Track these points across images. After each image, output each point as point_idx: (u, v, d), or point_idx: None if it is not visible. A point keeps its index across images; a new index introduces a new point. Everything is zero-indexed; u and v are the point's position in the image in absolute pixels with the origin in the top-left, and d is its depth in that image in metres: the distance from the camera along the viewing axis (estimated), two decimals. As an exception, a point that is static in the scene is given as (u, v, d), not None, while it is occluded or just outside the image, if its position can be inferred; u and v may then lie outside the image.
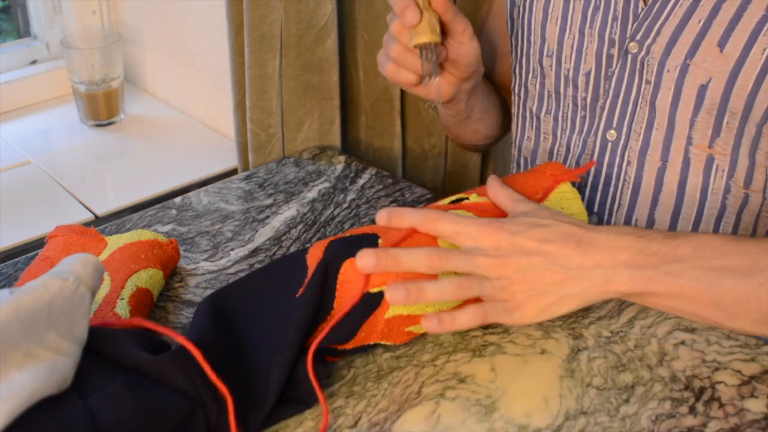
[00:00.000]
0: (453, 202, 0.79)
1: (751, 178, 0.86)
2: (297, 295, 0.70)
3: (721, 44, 0.81)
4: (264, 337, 0.69)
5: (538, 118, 0.98)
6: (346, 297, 0.70)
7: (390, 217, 0.73)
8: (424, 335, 0.76)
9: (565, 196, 0.77)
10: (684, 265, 0.68)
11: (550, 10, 0.93)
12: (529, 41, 0.97)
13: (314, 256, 0.72)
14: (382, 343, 0.72)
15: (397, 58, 0.82)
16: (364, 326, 0.70)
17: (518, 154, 1.04)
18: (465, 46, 0.84)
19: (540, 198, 0.77)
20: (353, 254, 0.70)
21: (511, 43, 1.01)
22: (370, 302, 0.69)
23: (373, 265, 0.68)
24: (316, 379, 0.66)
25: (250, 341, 0.69)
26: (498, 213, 0.77)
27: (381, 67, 0.85)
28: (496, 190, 0.79)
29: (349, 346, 0.71)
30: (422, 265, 0.69)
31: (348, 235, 0.74)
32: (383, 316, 0.70)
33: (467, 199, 0.78)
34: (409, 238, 0.72)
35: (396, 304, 0.68)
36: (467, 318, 0.70)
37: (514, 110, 1.04)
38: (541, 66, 0.96)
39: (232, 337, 0.69)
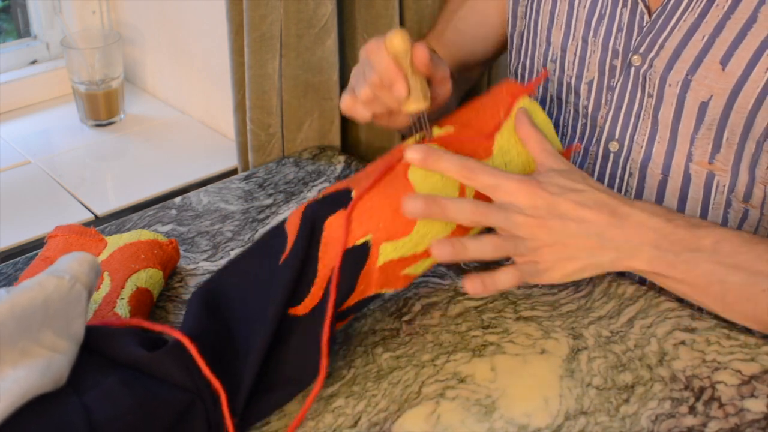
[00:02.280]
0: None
1: (751, 193, 0.86)
2: (280, 263, 0.71)
3: (724, 62, 0.81)
4: (251, 312, 0.69)
5: None
6: (330, 255, 0.70)
7: (425, 160, 0.71)
8: (423, 334, 0.76)
9: (529, 108, 0.78)
10: (702, 256, 0.71)
11: (556, 14, 0.93)
12: (534, 44, 0.96)
13: (292, 223, 0.73)
14: (382, 292, 0.72)
15: (366, 104, 0.79)
16: (360, 279, 0.70)
17: None
18: (442, 89, 0.82)
19: (503, 117, 0.77)
20: (332, 212, 0.71)
21: (511, 42, 1.01)
22: (359, 254, 0.70)
23: (420, 210, 0.69)
24: (328, 346, 0.67)
25: (240, 322, 0.69)
26: (463, 144, 0.76)
27: (342, 98, 0.82)
28: (526, 132, 0.77)
29: (351, 301, 0.71)
30: (465, 218, 0.70)
31: (321, 196, 0.74)
32: (376, 265, 0.70)
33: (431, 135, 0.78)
34: (379, 182, 0.73)
35: (442, 260, 0.70)
36: (507, 281, 0.72)
37: None
38: (545, 70, 0.95)
39: (225, 323, 0.69)
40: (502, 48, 1.09)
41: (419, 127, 0.77)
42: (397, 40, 0.73)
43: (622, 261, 0.72)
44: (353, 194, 0.73)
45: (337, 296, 0.69)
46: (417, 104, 0.76)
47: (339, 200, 0.72)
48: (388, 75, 0.74)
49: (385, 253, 0.71)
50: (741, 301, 0.72)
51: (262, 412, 0.66)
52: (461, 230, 0.74)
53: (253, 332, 0.67)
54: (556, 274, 0.73)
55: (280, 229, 0.74)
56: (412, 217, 0.70)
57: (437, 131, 0.78)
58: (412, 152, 0.70)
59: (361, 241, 0.70)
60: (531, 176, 0.73)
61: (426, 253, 0.72)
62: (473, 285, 0.71)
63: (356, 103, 0.80)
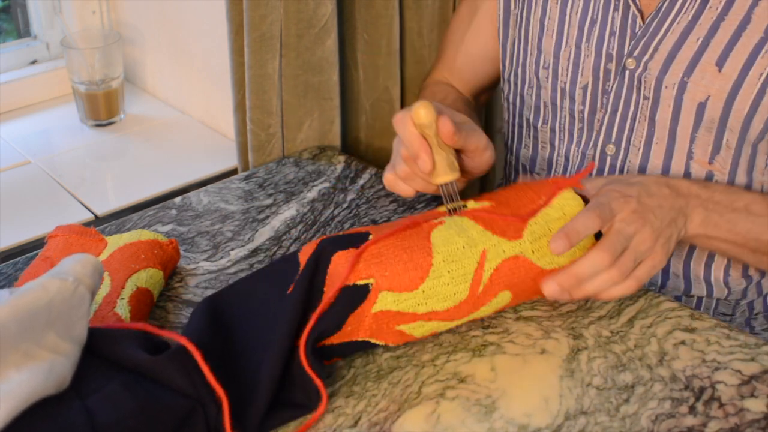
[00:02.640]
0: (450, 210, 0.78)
1: None
2: (288, 292, 0.71)
3: (720, 64, 0.81)
4: (257, 336, 0.70)
5: (535, 128, 0.98)
6: (332, 289, 0.70)
7: (569, 243, 0.72)
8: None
9: (568, 202, 0.76)
10: (740, 217, 0.82)
11: (546, 22, 0.93)
12: (525, 52, 0.96)
13: (306, 253, 0.73)
14: (372, 341, 0.71)
15: (405, 179, 0.80)
16: (350, 319, 0.69)
17: (515, 161, 1.04)
18: (481, 159, 0.81)
19: (543, 203, 0.76)
20: (343, 248, 0.71)
21: (504, 51, 1.01)
22: (356, 294, 0.69)
23: (565, 246, 0.71)
24: (310, 368, 0.66)
25: (245, 342, 0.69)
26: (495, 220, 0.75)
27: (384, 175, 0.82)
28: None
29: (335, 339, 0.70)
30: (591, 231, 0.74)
31: (340, 234, 0.75)
32: (370, 310, 0.70)
33: (464, 207, 0.77)
34: (399, 233, 0.73)
35: (552, 296, 0.72)
36: (644, 278, 0.76)
37: (506, 117, 1.04)
38: (537, 77, 0.95)
39: (229, 338, 0.69)
40: None
41: (449, 199, 0.77)
42: (421, 112, 0.73)
43: (686, 225, 0.80)
44: (371, 237, 0.73)
45: (319, 327, 0.68)
46: (443, 177, 0.76)
47: (354, 240, 0.72)
48: (413, 148, 0.74)
49: (384, 301, 0.70)
50: None
51: (265, 427, 0.66)
52: (471, 299, 0.72)
53: (263, 357, 0.67)
54: (666, 255, 0.77)
55: (293, 258, 0.74)
56: (558, 252, 0.71)
57: (473, 204, 0.77)
58: (555, 244, 0.71)
59: (362, 282, 0.70)
60: (611, 195, 0.76)
61: (427, 317, 0.71)
62: (625, 288, 0.74)
63: (397, 180, 0.80)
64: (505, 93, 1.02)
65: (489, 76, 1.07)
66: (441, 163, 0.75)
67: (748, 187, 0.87)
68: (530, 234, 0.73)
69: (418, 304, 0.70)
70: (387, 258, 0.71)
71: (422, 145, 0.74)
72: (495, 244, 0.72)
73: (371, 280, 0.70)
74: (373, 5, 1.11)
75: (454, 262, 0.71)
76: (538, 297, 0.76)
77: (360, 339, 0.71)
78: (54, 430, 0.56)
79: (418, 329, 0.72)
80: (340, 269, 0.71)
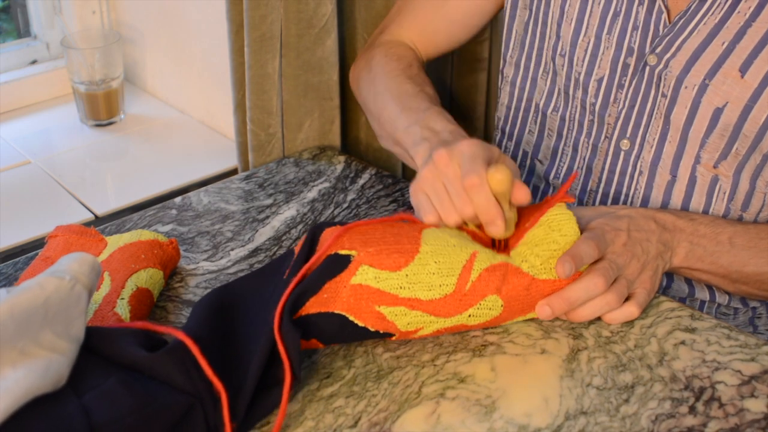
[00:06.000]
0: None
1: (749, 202, 0.87)
2: (284, 277, 0.71)
3: (743, 69, 0.81)
4: (255, 326, 0.70)
5: (544, 114, 0.98)
6: (314, 257, 0.71)
7: (575, 264, 0.73)
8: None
9: (557, 218, 0.76)
10: (723, 249, 0.84)
11: (566, 9, 0.92)
12: (542, 35, 0.95)
13: (300, 244, 0.74)
14: (349, 317, 0.70)
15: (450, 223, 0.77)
16: (328, 285, 0.69)
17: (515, 146, 1.03)
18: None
19: (528, 226, 0.76)
20: (331, 225, 0.73)
21: (511, 33, 1.00)
22: (337, 262, 0.70)
23: (571, 269, 0.73)
24: (280, 334, 0.65)
25: (243, 334, 0.70)
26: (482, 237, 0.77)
27: (425, 210, 0.76)
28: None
29: (312, 308, 0.69)
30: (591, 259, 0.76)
31: (331, 220, 0.76)
32: (349, 281, 0.69)
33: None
34: (390, 221, 0.75)
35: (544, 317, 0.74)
36: (634, 314, 0.77)
37: (507, 100, 1.03)
38: (554, 63, 0.95)
39: (229, 332, 0.70)
40: (477, 35, 1.08)
41: (495, 245, 0.77)
42: (499, 178, 0.71)
43: (671, 258, 0.82)
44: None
45: (297, 291, 0.69)
46: (506, 234, 0.75)
47: (344, 223, 0.74)
48: (490, 215, 0.73)
49: (364, 274, 0.69)
50: (752, 280, 0.84)
51: (262, 413, 0.66)
52: (458, 295, 0.71)
53: (255, 340, 0.67)
54: (654, 285, 0.79)
55: (289, 251, 0.75)
56: (564, 276, 0.72)
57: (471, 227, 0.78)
58: (562, 268, 0.73)
59: (345, 252, 0.70)
60: (604, 229, 0.79)
61: (409, 303, 0.70)
62: (620, 315, 0.77)
63: (441, 224, 0.77)
64: (510, 76, 1.01)
65: (459, 43, 1.06)
66: (508, 223, 0.75)
67: (748, 195, 0.87)
68: (517, 256, 0.74)
69: (401, 287, 0.70)
70: (373, 238, 0.72)
71: (499, 213, 0.73)
72: (487, 251, 0.74)
73: (353, 252, 0.70)
74: (373, 5, 1.11)
75: (442, 255, 0.71)
76: (533, 314, 0.75)
77: (336, 311, 0.69)
78: (51, 428, 0.56)
79: (400, 317, 0.70)
80: (326, 243, 0.72)
